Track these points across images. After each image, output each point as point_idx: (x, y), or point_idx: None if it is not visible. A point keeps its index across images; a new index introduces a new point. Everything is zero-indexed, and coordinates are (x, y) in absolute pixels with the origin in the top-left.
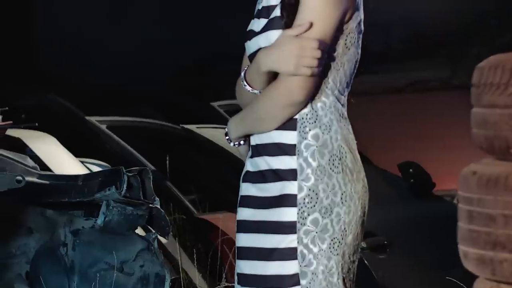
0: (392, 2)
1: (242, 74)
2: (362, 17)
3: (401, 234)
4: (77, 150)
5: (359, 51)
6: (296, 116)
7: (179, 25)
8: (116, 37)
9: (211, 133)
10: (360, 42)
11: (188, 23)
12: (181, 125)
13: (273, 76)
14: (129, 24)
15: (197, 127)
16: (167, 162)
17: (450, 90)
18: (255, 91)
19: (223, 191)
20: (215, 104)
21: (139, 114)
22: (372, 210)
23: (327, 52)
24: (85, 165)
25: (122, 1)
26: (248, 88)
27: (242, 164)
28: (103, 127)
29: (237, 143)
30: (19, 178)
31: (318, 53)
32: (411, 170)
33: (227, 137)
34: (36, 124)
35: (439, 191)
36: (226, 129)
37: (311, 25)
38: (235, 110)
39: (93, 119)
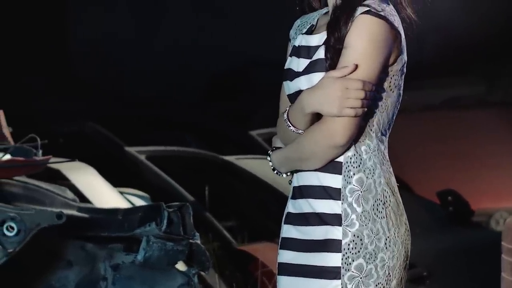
0: (426, 17)
1: (285, 114)
2: (406, 59)
3: (441, 265)
4: (116, 179)
5: (401, 92)
6: (341, 160)
7: (215, 33)
8: (149, 47)
9: (251, 164)
10: (402, 84)
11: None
12: (221, 156)
13: (317, 115)
14: (163, 33)
15: (236, 158)
16: (206, 192)
17: (486, 107)
18: (300, 131)
19: (262, 221)
20: (254, 133)
21: (176, 141)
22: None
23: (372, 95)
24: (124, 196)
25: (156, 12)
26: (292, 128)
27: (281, 195)
28: (142, 157)
29: (284, 175)
30: (60, 214)
31: (361, 94)
32: (449, 198)
33: (275, 171)
34: (77, 160)
35: (476, 210)
36: (271, 164)
37: (356, 67)
38: (272, 138)
39: (132, 149)
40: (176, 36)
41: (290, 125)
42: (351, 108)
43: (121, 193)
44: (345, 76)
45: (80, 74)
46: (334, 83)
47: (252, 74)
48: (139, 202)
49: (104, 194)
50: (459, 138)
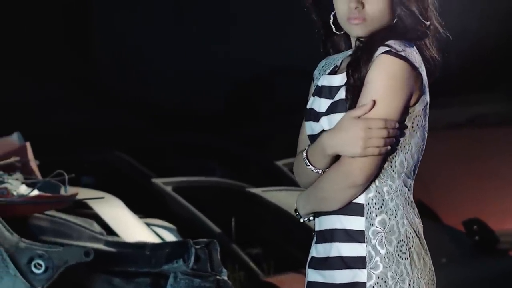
0: (450, 31)
1: (304, 154)
2: (428, 100)
3: None
4: (142, 209)
5: (426, 133)
6: (363, 201)
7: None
8: (175, 55)
9: (277, 196)
10: (426, 125)
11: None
12: (247, 189)
13: (337, 155)
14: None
15: (263, 191)
16: (233, 223)
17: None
18: (319, 171)
19: (288, 252)
20: (280, 163)
21: (200, 168)
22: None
23: (395, 132)
24: (151, 228)
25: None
26: (311, 167)
27: (307, 227)
28: (169, 188)
29: (306, 219)
30: (88, 251)
31: (384, 133)
32: (475, 227)
33: (296, 213)
34: (103, 197)
35: (501, 231)
36: (296, 205)
37: (374, 103)
38: None
39: (159, 180)
40: (200, 44)
41: (309, 164)
42: (374, 147)
43: (148, 224)
44: (366, 114)
45: (103, 83)
46: (355, 123)
47: (276, 83)
48: (166, 234)
49: (131, 227)
50: (485, 157)
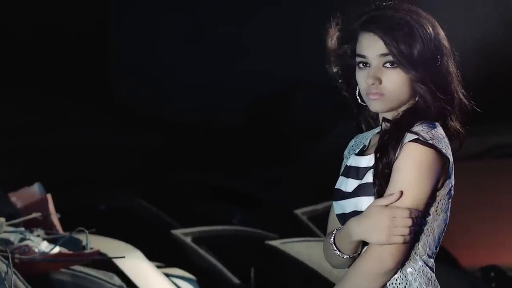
0: (468, 56)
1: (331, 239)
2: (453, 182)
3: None
4: (161, 257)
5: (448, 214)
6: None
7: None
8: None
9: (296, 248)
10: (449, 206)
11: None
12: (266, 241)
13: (364, 241)
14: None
15: (281, 243)
16: (252, 274)
17: None
18: (345, 256)
19: None
20: (299, 211)
21: (222, 211)
22: None
23: (419, 221)
24: (171, 280)
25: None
26: (338, 253)
27: (326, 280)
28: (188, 240)
29: None
30: None
31: (409, 222)
32: (492, 274)
33: None
34: (124, 257)
35: None
36: None
37: (401, 194)
38: (317, 215)
39: (178, 232)
40: (220, 61)
41: (336, 249)
42: (399, 235)
43: (168, 275)
44: (392, 203)
45: (122, 101)
46: (381, 212)
47: (296, 97)
48: (186, 286)
49: (151, 280)
50: (503, 189)
